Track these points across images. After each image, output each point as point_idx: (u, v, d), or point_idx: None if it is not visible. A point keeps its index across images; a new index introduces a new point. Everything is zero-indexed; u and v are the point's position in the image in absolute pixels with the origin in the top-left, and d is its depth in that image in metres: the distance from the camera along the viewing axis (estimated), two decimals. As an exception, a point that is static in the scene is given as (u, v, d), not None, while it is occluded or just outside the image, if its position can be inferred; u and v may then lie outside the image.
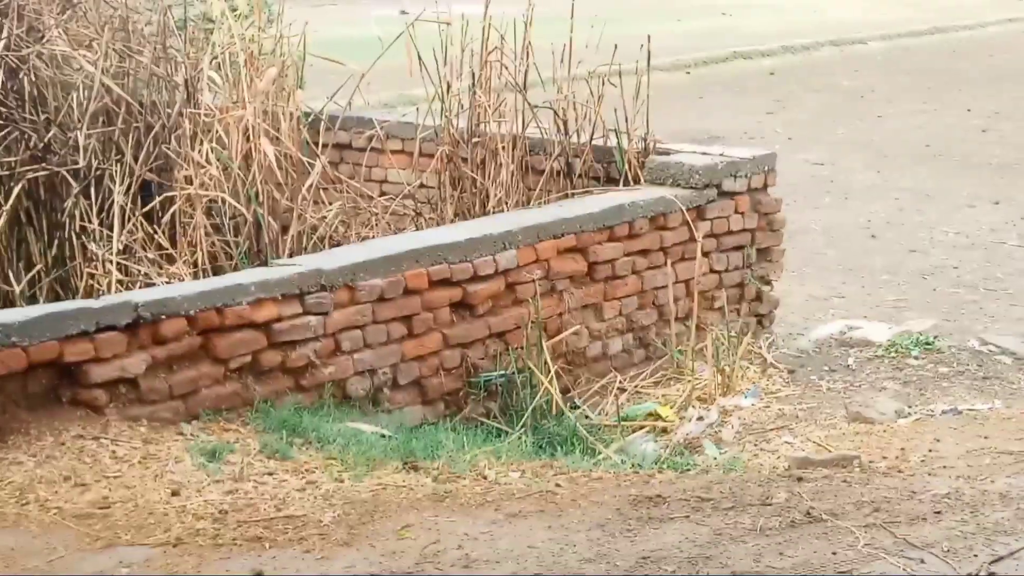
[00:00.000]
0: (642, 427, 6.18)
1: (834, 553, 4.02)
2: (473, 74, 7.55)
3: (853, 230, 10.50)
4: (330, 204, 7.55)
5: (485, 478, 4.86)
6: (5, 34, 7.36)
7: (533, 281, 6.28)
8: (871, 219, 10.80)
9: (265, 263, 6.62)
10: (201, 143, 7.14)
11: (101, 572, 3.88)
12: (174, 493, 4.46)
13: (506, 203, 7.33)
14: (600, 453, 5.66)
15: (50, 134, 7.30)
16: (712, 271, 7.22)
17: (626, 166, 7.22)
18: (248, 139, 7.13)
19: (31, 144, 7.28)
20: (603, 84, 7.32)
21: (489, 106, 7.57)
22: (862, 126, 14.80)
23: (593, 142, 7.40)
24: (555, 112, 7.45)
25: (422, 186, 7.82)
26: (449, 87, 7.56)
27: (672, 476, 4.93)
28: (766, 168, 7.39)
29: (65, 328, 4.84)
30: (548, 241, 6.40)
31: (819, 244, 10.10)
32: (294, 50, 7.65)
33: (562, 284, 6.52)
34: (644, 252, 6.87)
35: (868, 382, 6.83)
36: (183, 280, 6.56)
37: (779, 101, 16.25)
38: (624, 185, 7.19)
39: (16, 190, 7.08)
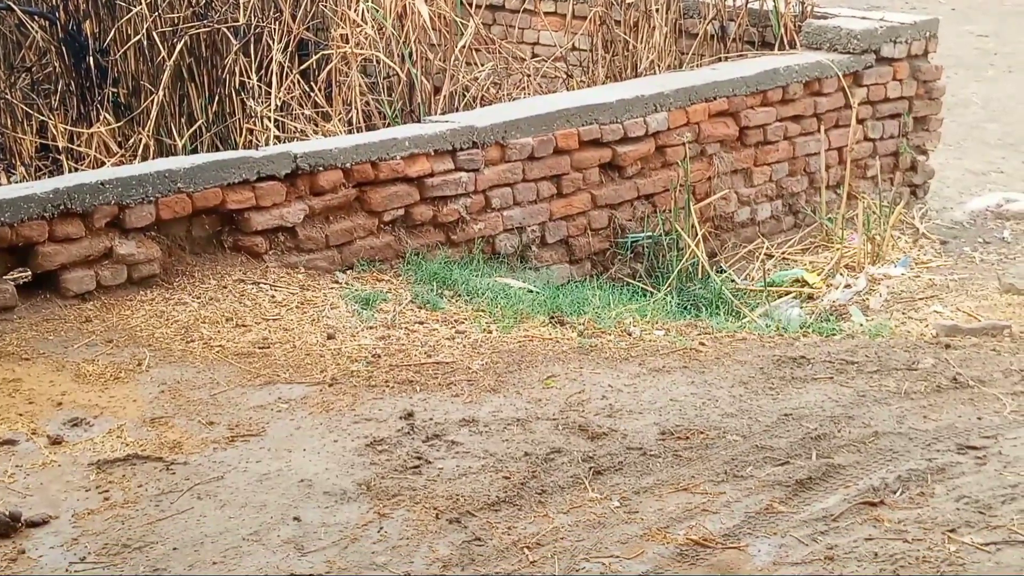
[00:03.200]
0: (788, 293, 6.16)
1: (979, 418, 4.01)
2: (628, -66, 7.46)
3: (1017, 104, 10.16)
4: (482, 65, 7.59)
5: (630, 334, 4.92)
6: None
7: (683, 144, 6.26)
8: (1036, 93, 10.44)
9: (418, 122, 6.72)
10: (357, 2, 7.22)
11: (261, 405, 4.07)
12: (330, 337, 4.63)
13: (658, 66, 7.28)
14: (745, 316, 5.68)
15: (211, -9, 7.46)
16: (866, 139, 7.10)
17: (782, 30, 7.10)
18: (403, -2, 7.19)
19: (193, 1, 7.44)
20: (761, -54, 7.18)
21: (644, -33, 7.49)
22: (1032, -3, 14.20)
23: (749, 5, 7.28)
24: (711, -26, 7.33)
25: (574, 48, 7.81)
26: (604, -52, 7.49)
27: (817, 339, 4.93)
28: (927, 34, 7.19)
29: (227, 176, 5.01)
30: (699, 104, 6.36)
31: (980, 117, 9.81)
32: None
33: (712, 148, 6.49)
34: (797, 118, 6.78)
35: (1024, 254, 6.70)
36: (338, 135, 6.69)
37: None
38: (779, 50, 7.07)
39: (179, 46, 7.26)
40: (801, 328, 5.38)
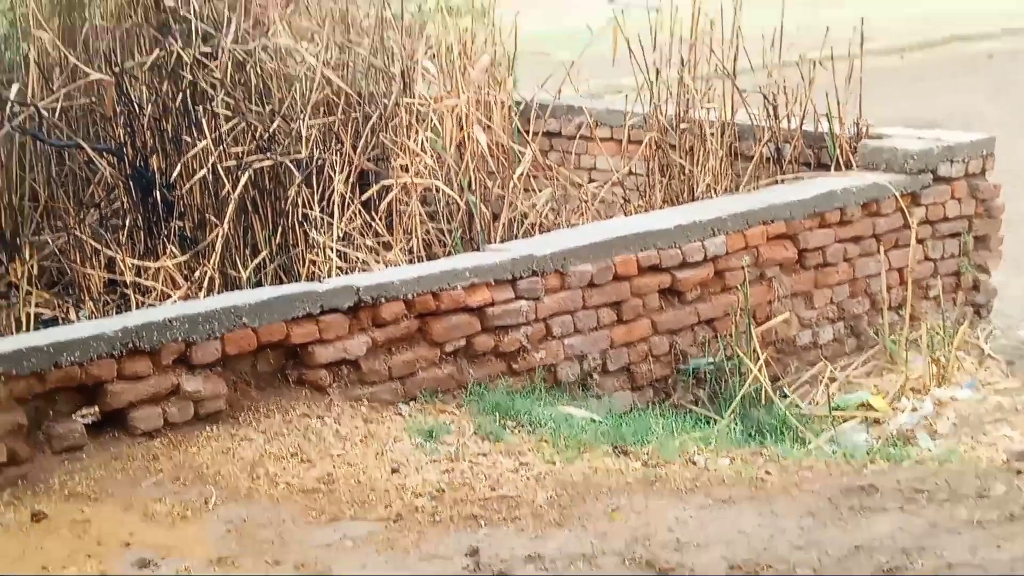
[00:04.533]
0: (853, 417, 6.10)
1: (1055, 548, 3.93)
2: (682, 60, 7.55)
3: (1077, 218, 10.08)
4: (540, 191, 7.67)
5: (694, 464, 4.89)
6: (233, 28, 7.72)
7: (742, 268, 6.27)
8: (1096, 207, 10.34)
9: (477, 250, 6.78)
10: (416, 132, 7.35)
11: (327, 544, 4.07)
12: (394, 471, 4.63)
13: (715, 189, 7.33)
14: (810, 442, 5.62)
15: (274, 125, 7.62)
16: (927, 259, 7.07)
17: (837, 151, 7.13)
18: (461, 128, 7.32)
19: (257, 135, 7.61)
20: (814, 68, 7.23)
21: (698, 92, 7.57)
22: (1088, 109, 14.17)
23: (804, 127, 7.32)
24: (765, 97, 7.38)
25: (631, 173, 7.87)
26: (658, 73, 7.59)
27: (885, 466, 4.88)
28: (984, 152, 7.20)
29: (292, 310, 5.07)
30: (757, 227, 6.37)
31: (1040, 232, 9.74)
32: (506, 40, 7.79)
33: (771, 271, 6.49)
34: (856, 239, 6.77)
35: (1092, 375, 6.60)
36: (399, 266, 6.77)
37: (998, 86, 15.68)
38: (835, 171, 7.09)
39: (243, 180, 7.40)
40: (868, 454, 5.32)
